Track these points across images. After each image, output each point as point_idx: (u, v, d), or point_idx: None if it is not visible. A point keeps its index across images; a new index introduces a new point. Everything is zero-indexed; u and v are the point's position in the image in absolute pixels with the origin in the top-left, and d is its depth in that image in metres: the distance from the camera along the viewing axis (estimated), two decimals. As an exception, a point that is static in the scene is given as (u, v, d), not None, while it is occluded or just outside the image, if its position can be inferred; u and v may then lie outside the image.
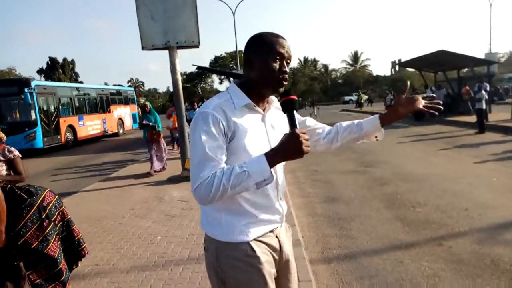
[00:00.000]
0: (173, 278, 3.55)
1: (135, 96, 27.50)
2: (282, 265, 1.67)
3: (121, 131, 22.66)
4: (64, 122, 16.94)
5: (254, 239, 1.54)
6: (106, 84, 45.12)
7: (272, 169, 1.41)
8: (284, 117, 1.51)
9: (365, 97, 37.43)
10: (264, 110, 1.60)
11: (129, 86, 62.68)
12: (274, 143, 1.49)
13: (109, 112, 21.60)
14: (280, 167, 1.63)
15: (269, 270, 1.56)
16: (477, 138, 11.90)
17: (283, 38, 1.54)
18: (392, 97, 24.01)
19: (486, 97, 13.56)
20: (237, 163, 1.42)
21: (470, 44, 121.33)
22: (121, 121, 22.93)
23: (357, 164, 8.60)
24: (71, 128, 17.62)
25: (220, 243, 1.54)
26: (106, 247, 4.45)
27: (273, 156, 1.40)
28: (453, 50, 17.76)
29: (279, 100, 1.57)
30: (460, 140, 11.69)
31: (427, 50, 43.03)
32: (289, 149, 1.39)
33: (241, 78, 1.62)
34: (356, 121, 1.81)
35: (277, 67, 1.51)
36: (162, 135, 9.10)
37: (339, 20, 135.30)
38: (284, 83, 1.54)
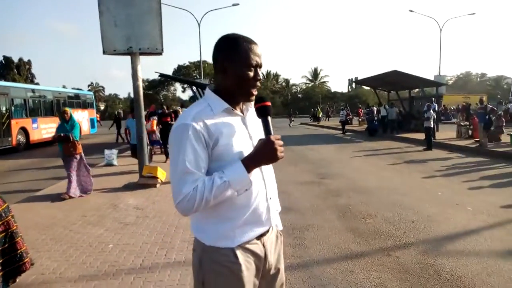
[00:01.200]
0: (124, 287, 3.48)
1: (94, 101, 26.65)
2: (265, 275, 1.66)
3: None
4: (16, 124, 16.11)
5: (239, 245, 1.53)
6: (64, 87, 43.42)
7: (255, 172, 1.48)
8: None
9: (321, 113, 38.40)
10: (243, 113, 1.60)
11: (89, 90, 60.54)
12: (256, 143, 1.53)
13: (65, 115, 20.76)
14: (267, 166, 1.61)
15: (250, 279, 1.56)
16: (425, 154, 12.56)
17: (255, 43, 1.54)
18: (345, 112, 24.91)
19: (434, 116, 14.40)
20: (223, 169, 1.44)
21: (421, 66, 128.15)
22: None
23: (314, 176, 8.81)
24: (24, 130, 16.78)
25: (205, 247, 1.55)
26: (54, 255, 4.28)
27: (250, 163, 1.44)
28: (406, 71, 18.71)
29: (254, 105, 1.58)
30: (410, 155, 12.28)
31: (382, 70, 44.93)
32: (264, 155, 1.45)
33: (207, 87, 1.63)
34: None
35: (252, 75, 1.52)
36: (81, 148, 7.15)
37: (301, 36, 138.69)
38: (256, 90, 1.56)
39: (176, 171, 1.43)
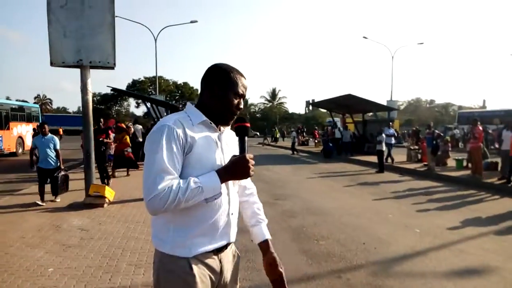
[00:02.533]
0: (62, 315, 3.23)
1: (40, 114, 25.44)
2: None
3: (20, 150, 20.64)
4: (-49, 136, 15.00)
5: (195, 257, 1.57)
6: (8, 98, 41.24)
7: (222, 186, 1.57)
8: (234, 137, 1.69)
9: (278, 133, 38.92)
10: (220, 129, 1.69)
11: (35, 102, 57.84)
12: (228, 159, 1.63)
13: (8, 129, 19.64)
14: (233, 183, 1.70)
15: None
16: (377, 177, 12.93)
17: (244, 77, 1.69)
18: (295, 134, 25.75)
19: (392, 139, 15.15)
20: (191, 176, 1.51)
21: (375, 91, 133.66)
22: (21, 140, 20.91)
23: (269, 196, 8.78)
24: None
25: (163, 255, 1.59)
26: None
27: (224, 174, 1.55)
28: (361, 95, 19.40)
29: (233, 124, 1.71)
30: (363, 178, 12.60)
31: (338, 93, 46.42)
32: (238, 170, 1.56)
33: (187, 102, 1.76)
34: (261, 219, 1.90)
35: (236, 102, 1.65)
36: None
37: (260, 56, 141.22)
38: (233, 118, 1.69)
39: (153, 168, 1.47)
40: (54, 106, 77.55)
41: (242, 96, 1.67)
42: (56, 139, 7.72)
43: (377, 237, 5.67)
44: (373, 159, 15.23)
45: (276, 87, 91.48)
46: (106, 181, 9.62)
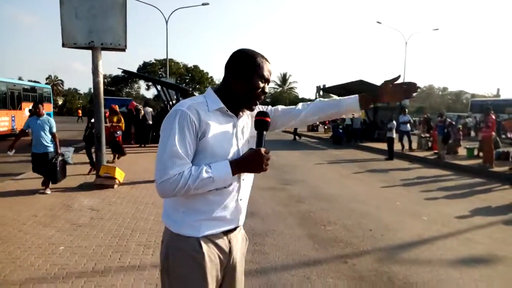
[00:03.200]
0: (73, 291, 3.32)
1: (51, 95, 25.68)
2: (228, 271, 1.72)
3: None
4: (-35, 116, 15.23)
5: (204, 236, 1.60)
6: (20, 79, 41.58)
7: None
8: (252, 123, 1.71)
9: None
10: (237, 116, 1.68)
11: (47, 83, 58.29)
12: (242, 147, 1.66)
13: (20, 109, 19.89)
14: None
15: (212, 270, 1.62)
16: (387, 164, 12.87)
17: (269, 62, 1.68)
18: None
19: (409, 127, 14.95)
20: (203, 162, 1.53)
21: (387, 77, 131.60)
22: (33, 120, 21.21)
23: (277, 181, 8.82)
24: (-26, 123, 15.90)
25: (172, 234, 1.62)
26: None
27: (237, 167, 1.55)
28: (372, 81, 19.15)
29: (255, 116, 1.68)
30: (372, 165, 12.55)
31: (349, 78, 45.93)
32: (252, 163, 1.56)
33: (209, 87, 1.74)
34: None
35: (261, 86, 1.64)
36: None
37: (271, 40, 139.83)
38: (259, 101, 1.69)
39: (165, 152, 1.49)
40: (66, 87, 78.01)
41: (267, 80, 1.67)
42: (52, 120, 7.03)
43: (384, 224, 5.68)
44: (383, 146, 15.15)
45: (287, 72, 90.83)
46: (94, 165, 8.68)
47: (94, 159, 8.90)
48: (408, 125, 15.83)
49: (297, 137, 23.18)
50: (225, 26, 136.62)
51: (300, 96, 72.62)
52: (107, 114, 11.17)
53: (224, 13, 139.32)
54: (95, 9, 6.89)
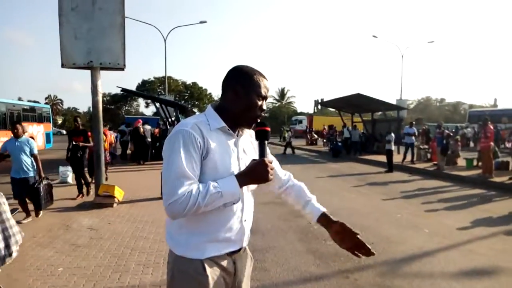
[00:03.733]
0: (72, 313, 3.28)
1: (51, 115, 25.75)
2: None
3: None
4: (-35, 137, 15.23)
5: (209, 258, 1.60)
6: (20, 99, 41.83)
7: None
8: (253, 144, 1.72)
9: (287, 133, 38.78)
10: (237, 135, 1.69)
11: (46, 103, 58.53)
12: (244, 165, 1.64)
13: (20, 129, 19.91)
14: (247, 189, 1.71)
15: None
16: (386, 176, 12.86)
17: (267, 79, 1.69)
18: (291, 133, 24.94)
19: (413, 139, 14.91)
20: (209, 181, 1.51)
21: (384, 90, 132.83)
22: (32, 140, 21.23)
23: (276, 196, 8.78)
24: (-27, 144, 15.86)
25: (177, 257, 1.62)
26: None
27: (242, 179, 1.54)
28: (370, 94, 19.27)
29: (254, 128, 1.70)
30: (371, 177, 12.53)
31: (347, 92, 46.12)
32: (256, 174, 1.54)
33: (209, 105, 1.73)
34: (307, 198, 1.91)
35: (260, 104, 1.64)
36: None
37: (269, 56, 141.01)
38: (259, 119, 1.68)
39: (172, 173, 1.48)
40: (65, 106, 78.47)
41: (265, 97, 1.67)
42: (33, 142, 6.47)
43: (385, 237, 5.65)
44: (382, 158, 15.14)
45: (285, 86, 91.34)
46: (86, 189, 8.58)
47: (90, 180, 8.81)
48: (414, 137, 15.79)
49: (288, 150, 22.73)
50: (223, 43, 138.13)
51: (299, 110, 72.87)
52: (106, 132, 11.02)
53: (222, 30, 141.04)
54: (94, 30, 6.97)
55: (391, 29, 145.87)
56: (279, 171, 1.91)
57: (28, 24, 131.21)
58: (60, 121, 66.62)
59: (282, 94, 72.34)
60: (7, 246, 2.03)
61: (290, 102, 73.10)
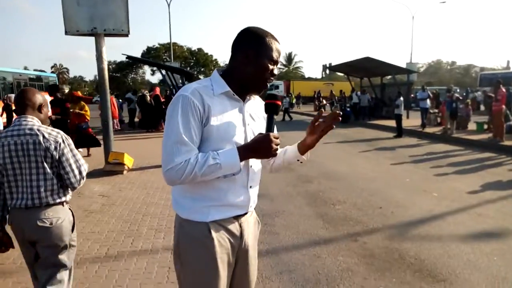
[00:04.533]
0: (88, 276, 3.38)
1: (57, 83, 25.75)
2: (241, 255, 1.69)
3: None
4: (-28, 106, 15.31)
5: (213, 221, 1.58)
6: (26, 68, 41.74)
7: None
8: (263, 110, 1.62)
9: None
10: (244, 100, 1.62)
11: (52, 72, 58.38)
12: (251, 132, 1.61)
13: (27, 99, 20.04)
14: None
15: (223, 255, 1.59)
16: (395, 141, 12.80)
17: (279, 42, 1.61)
18: (288, 99, 24.67)
19: (428, 103, 14.71)
20: (210, 149, 1.49)
21: (394, 53, 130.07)
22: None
23: (267, 171, 8.81)
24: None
25: (182, 220, 1.62)
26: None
27: (245, 152, 1.50)
28: (379, 57, 18.90)
29: (264, 100, 1.63)
30: (380, 143, 12.49)
31: (355, 56, 45.33)
32: (260, 148, 1.50)
33: (215, 69, 1.65)
34: (288, 148, 1.82)
35: (270, 69, 1.58)
36: None
37: (276, 20, 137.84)
38: (269, 84, 1.62)
39: (170, 139, 1.46)
40: (71, 74, 78.26)
41: (276, 62, 1.60)
42: None
43: (394, 201, 5.68)
44: (392, 123, 15.02)
45: (292, 51, 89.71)
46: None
47: (99, 146, 8.71)
48: (428, 101, 15.48)
49: (287, 117, 22.65)
50: (228, 7, 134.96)
51: (307, 76, 72.02)
52: (112, 100, 10.54)
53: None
54: (96, -5, 6.81)
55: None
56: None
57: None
58: (67, 90, 66.60)
59: (289, 58, 71.30)
60: (80, 172, 2.35)
61: (298, 67, 72.17)
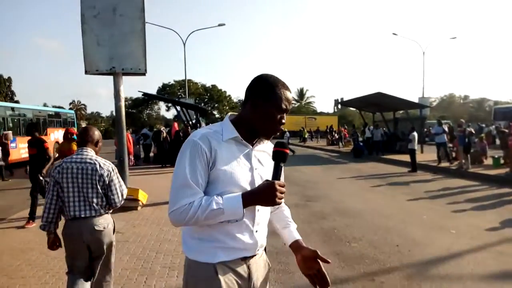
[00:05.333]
0: (101, 316, 3.34)
1: (75, 119, 26.39)
2: None
3: (56, 155, 21.53)
4: (-7, 143, 15.70)
5: (221, 262, 1.57)
6: (45, 105, 42.99)
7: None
8: (271, 157, 1.63)
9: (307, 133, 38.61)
10: (253, 146, 1.66)
11: (71, 108, 59.97)
12: (258, 177, 1.62)
13: (46, 135, 20.49)
14: None
15: None
16: (410, 176, 12.64)
17: (289, 90, 1.65)
18: (288, 134, 24.52)
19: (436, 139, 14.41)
20: (216, 192, 1.52)
21: (406, 87, 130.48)
22: (57, 145, 21.81)
23: (299, 198, 8.75)
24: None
25: (190, 261, 1.63)
26: (29, 282, 4.12)
27: (249, 199, 1.51)
28: (391, 92, 18.99)
29: (273, 147, 1.64)
30: (394, 177, 12.35)
31: (367, 91, 45.49)
32: (264, 196, 1.51)
33: (228, 114, 1.72)
34: (289, 222, 1.88)
35: (278, 117, 1.60)
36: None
37: (287, 57, 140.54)
38: (277, 132, 1.66)
39: (176, 182, 1.53)
40: (88, 111, 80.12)
41: (285, 110, 1.62)
42: None
43: (411, 239, 5.55)
44: (405, 158, 14.89)
45: (304, 86, 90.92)
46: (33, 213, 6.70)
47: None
48: (445, 135, 15.05)
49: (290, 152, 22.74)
50: (241, 44, 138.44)
51: (318, 110, 72.46)
52: (128, 136, 10.05)
53: (240, 31, 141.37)
54: (115, 36, 7.09)
55: (411, 26, 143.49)
56: None
57: (53, 32, 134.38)
58: (84, 125, 68.20)
59: (301, 94, 72.15)
60: (122, 195, 3.12)
61: (310, 102, 72.84)
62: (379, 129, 20.96)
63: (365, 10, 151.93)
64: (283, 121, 1.63)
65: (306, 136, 37.55)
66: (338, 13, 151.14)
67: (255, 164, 1.64)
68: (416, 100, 22.61)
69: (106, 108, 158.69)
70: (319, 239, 5.65)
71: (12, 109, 18.64)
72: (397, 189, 10.13)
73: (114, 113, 7.95)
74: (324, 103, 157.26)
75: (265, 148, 1.72)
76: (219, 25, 28.35)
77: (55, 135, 21.55)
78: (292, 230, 1.84)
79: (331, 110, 72.43)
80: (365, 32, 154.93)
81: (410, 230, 6.02)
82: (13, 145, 17.21)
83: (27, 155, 18.51)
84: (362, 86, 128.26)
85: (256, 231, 1.64)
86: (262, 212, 1.68)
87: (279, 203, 1.53)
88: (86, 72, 7.26)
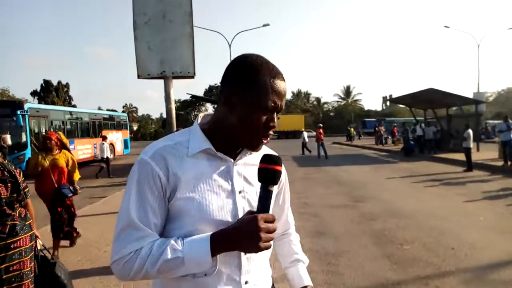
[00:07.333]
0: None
1: (128, 122, 27.58)
2: None
3: (111, 156, 22.62)
4: (54, 145, 16.83)
5: None
6: (100, 108, 45.27)
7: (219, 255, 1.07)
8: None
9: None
10: (235, 158, 1.17)
11: (123, 111, 62.86)
12: (246, 204, 1.15)
13: (101, 137, 21.66)
14: None
15: None
16: (465, 176, 12.06)
17: (281, 78, 1.11)
18: (305, 134, 23.51)
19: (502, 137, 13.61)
20: (183, 232, 1.07)
21: (459, 83, 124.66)
22: (112, 147, 22.87)
23: (347, 199, 8.61)
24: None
25: None
26: (93, 280, 4.36)
27: (221, 241, 1.04)
28: (443, 88, 18.20)
29: (259, 163, 1.12)
30: (448, 177, 11.83)
31: (417, 87, 43.83)
32: (243, 238, 1.03)
33: (197, 117, 1.26)
34: (293, 258, 1.44)
35: (264, 120, 1.09)
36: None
37: (333, 54, 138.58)
38: (266, 140, 1.14)
39: (119, 222, 1.08)
40: (139, 113, 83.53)
41: (276, 108, 1.10)
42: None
43: (467, 242, 5.30)
44: (460, 157, 14.22)
45: (350, 84, 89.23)
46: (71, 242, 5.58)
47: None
48: (510, 133, 13.56)
49: (306, 151, 22.44)
50: (286, 43, 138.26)
51: (366, 108, 70.86)
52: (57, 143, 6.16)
53: (285, 30, 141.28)
54: (165, 41, 7.34)
55: (464, 18, 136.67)
56: (289, 216, 1.46)
57: (107, 42, 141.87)
58: (135, 128, 71.24)
59: (347, 92, 70.90)
60: None
61: (357, 100, 71.41)
62: (431, 126, 20.15)
63: (414, 2, 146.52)
64: (272, 124, 1.11)
65: (353, 135, 36.83)
66: (386, 6, 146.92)
67: (238, 185, 1.15)
68: (470, 96, 21.51)
69: (156, 110, 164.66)
70: (369, 241, 5.54)
71: (70, 113, 19.81)
72: (451, 189, 9.69)
73: (163, 115, 8.23)
74: (372, 101, 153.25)
75: (254, 160, 1.18)
76: (264, 25, 28.48)
77: (109, 137, 22.65)
78: (301, 271, 1.40)
79: (379, 108, 70.59)
80: (415, 25, 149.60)
81: (466, 233, 5.75)
82: (71, 147, 18.30)
83: (84, 156, 19.64)
84: (411, 82, 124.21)
85: (246, 282, 1.15)
86: (254, 256, 1.16)
87: (267, 248, 1.04)
88: (138, 77, 7.56)
